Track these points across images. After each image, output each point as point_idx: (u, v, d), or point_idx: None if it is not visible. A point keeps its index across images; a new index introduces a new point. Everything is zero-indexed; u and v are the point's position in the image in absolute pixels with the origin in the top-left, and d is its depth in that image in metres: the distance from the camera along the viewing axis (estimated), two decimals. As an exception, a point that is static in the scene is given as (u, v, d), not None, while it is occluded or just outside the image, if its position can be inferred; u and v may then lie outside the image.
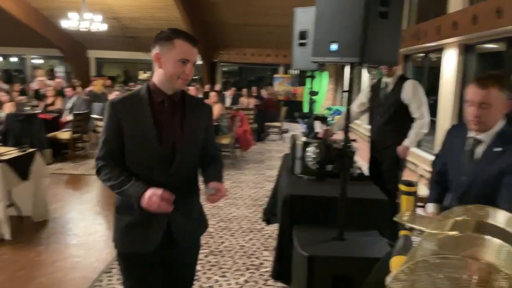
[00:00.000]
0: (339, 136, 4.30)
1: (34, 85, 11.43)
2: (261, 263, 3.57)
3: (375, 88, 3.81)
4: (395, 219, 1.59)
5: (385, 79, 3.67)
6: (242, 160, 8.00)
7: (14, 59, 17.42)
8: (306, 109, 12.54)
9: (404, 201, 1.85)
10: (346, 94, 2.53)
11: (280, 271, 3.02)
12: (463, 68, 6.13)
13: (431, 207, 2.25)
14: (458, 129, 2.15)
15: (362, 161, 5.33)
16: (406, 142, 3.54)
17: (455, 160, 2.07)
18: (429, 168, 5.18)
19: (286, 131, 10.85)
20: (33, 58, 16.96)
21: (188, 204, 1.90)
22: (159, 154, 1.78)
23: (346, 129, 2.53)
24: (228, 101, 11.36)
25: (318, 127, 3.63)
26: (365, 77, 10.76)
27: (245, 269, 3.45)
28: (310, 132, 3.62)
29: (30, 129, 6.80)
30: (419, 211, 2.92)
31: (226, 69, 17.72)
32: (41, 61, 17.45)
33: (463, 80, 6.15)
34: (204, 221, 2.08)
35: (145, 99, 1.79)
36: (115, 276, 3.21)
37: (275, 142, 10.35)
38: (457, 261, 1.15)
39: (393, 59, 2.53)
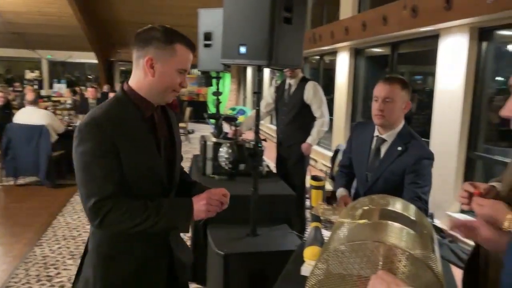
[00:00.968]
0: (247, 135, 4.42)
1: None
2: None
3: (279, 89, 3.99)
4: (312, 212, 1.70)
5: (289, 81, 3.87)
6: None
7: None
8: (212, 109, 12.60)
9: (314, 195, 1.97)
10: (249, 95, 2.62)
11: (195, 272, 3.02)
12: (354, 70, 6.69)
13: (342, 191, 2.39)
14: (363, 127, 2.30)
15: (268, 160, 5.54)
16: (309, 140, 3.77)
17: (360, 157, 2.23)
18: (328, 164, 5.57)
19: (192, 132, 10.80)
20: None
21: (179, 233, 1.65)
22: (161, 182, 1.48)
23: (257, 129, 2.62)
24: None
25: (227, 127, 3.70)
26: (266, 77, 11.16)
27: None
28: (219, 132, 3.67)
29: None
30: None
31: (123, 68, 17.00)
32: None
33: (354, 81, 6.72)
34: (190, 250, 1.84)
35: (135, 116, 1.41)
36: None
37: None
38: (366, 246, 1.29)
39: (298, 62, 2.68)
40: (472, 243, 1.55)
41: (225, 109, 13.77)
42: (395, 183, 2.05)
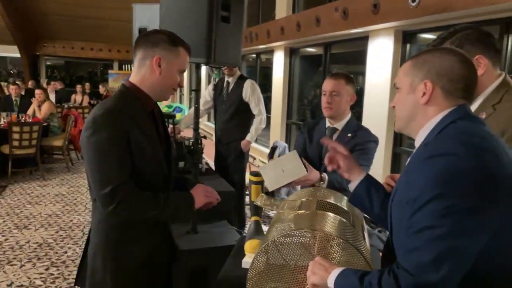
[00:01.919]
0: (186, 133, 4.39)
1: None
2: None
3: (217, 87, 4.00)
4: (255, 203, 1.75)
5: (227, 79, 3.90)
6: (79, 163, 7.44)
7: None
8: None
9: (254, 190, 2.03)
10: (186, 92, 2.62)
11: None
12: (290, 69, 6.87)
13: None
14: (313, 123, 2.43)
15: (206, 157, 5.53)
16: (248, 137, 3.84)
17: (315, 149, 2.35)
18: (266, 160, 5.68)
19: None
20: None
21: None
22: (163, 174, 1.58)
23: (196, 126, 2.63)
24: (52, 98, 10.32)
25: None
26: (203, 75, 11.09)
27: (94, 277, 3.27)
28: (157, 130, 3.62)
29: None
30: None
31: (50, 63, 16.05)
32: None
33: (289, 79, 6.90)
34: None
35: (140, 109, 1.52)
36: None
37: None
38: (303, 235, 1.36)
39: (237, 60, 2.73)
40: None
41: (161, 107, 13.50)
42: None
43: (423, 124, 1.10)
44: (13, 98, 7.64)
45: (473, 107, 1.38)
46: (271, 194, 4.40)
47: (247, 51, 8.22)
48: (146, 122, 1.53)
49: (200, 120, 2.74)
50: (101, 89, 11.25)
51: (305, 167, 1.95)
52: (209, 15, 2.42)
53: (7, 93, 8.34)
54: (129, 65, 15.12)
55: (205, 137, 2.95)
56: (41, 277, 3.22)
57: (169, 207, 1.51)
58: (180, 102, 13.96)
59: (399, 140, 4.46)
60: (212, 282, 2.44)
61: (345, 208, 1.56)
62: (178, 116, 9.39)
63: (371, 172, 4.80)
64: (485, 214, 0.91)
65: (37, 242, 3.90)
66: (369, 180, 1.41)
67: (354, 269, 1.07)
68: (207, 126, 10.49)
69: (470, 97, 1.10)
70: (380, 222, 1.48)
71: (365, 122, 4.71)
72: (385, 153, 4.42)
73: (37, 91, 7.10)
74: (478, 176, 0.92)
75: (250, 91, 3.81)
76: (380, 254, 2.19)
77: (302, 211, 1.47)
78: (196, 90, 2.66)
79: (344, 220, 1.41)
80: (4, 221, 4.43)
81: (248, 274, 1.38)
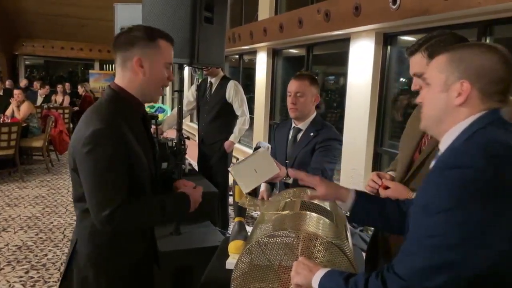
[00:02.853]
0: (169, 134, 4.37)
1: None
2: (93, 271, 3.39)
3: (200, 88, 4.00)
4: (239, 204, 1.76)
5: (210, 79, 3.90)
6: (59, 164, 7.32)
7: None
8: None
9: (237, 190, 2.04)
10: (168, 93, 2.61)
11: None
12: (272, 70, 6.89)
13: (262, 186, 2.51)
14: (283, 125, 2.52)
15: (189, 158, 5.51)
16: (232, 138, 3.84)
17: (281, 149, 2.42)
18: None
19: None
20: None
21: None
22: (151, 175, 1.53)
23: (180, 127, 2.63)
24: (39, 100, 10.15)
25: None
26: (186, 76, 11.04)
27: (76, 280, 3.22)
28: (139, 131, 3.59)
29: None
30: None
31: (29, 62, 15.72)
32: None
33: (272, 80, 6.92)
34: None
35: (132, 114, 1.46)
36: None
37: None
38: (286, 236, 1.38)
39: (220, 60, 2.73)
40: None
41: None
42: (307, 164, 2.24)
43: (450, 127, 1.02)
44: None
45: None
46: (254, 195, 4.41)
47: (230, 51, 8.22)
48: (139, 128, 1.48)
49: (183, 120, 2.73)
50: (80, 89, 11.08)
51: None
52: (192, 16, 2.42)
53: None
54: (110, 65, 14.92)
55: (188, 137, 2.94)
56: (20, 281, 3.16)
57: (168, 213, 1.48)
58: (163, 103, 13.86)
59: (380, 140, 4.52)
60: (196, 283, 2.44)
61: (328, 208, 1.58)
62: (160, 116, 9.32)
63: (352, 174, 4.88)
64: (492, 230, 0.86)
65: (16, 245, 3.82)
66: (363, 199, 1.36)
67: (339, 270, 1.08)
68: (190, 126, 10.44)
69: (506, 101, 1.01)
70: (389, 231, 1.53)
71: (347, 123, 4.77)
72: (367, 153, 4.48)
73: (16, 91, 6.96)
74: (491, 191, 0.86)
75: (234, 92, 3.82)
76: (363, 253, 2.24)
77: (286, 212, 1.49)
78: (179, 91, 2.65)
79: (327, 220, 1.43)
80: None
81: (233, 275, 1.39)
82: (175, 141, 2.73)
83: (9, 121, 6.39)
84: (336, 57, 6.14)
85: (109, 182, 1.33)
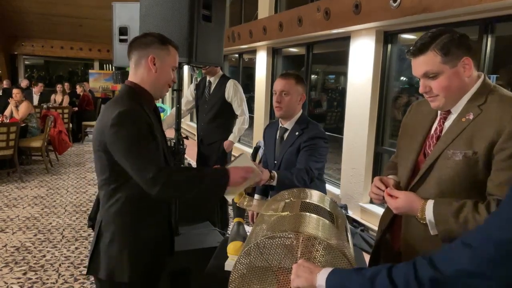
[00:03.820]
0: (168, 134, 4.34)
1: None
2: (92, 272, 3.36)
3: (199, 87, 3.97)
4: (238, 204, 1.73)
5: (209, 78, 3.87)
6: (58, 164, 7.30)
7: None
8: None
9: (236, 191, 2.01)
10: (168, 92, 2.59)
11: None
12: (272, 69, 6.86)
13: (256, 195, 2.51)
14: (271, 125, 2.51)
15: (189, 158, 5.49)
16: (231, 137, 3.81)
17: (270, 149, 2.41)
18: (249, 160, 5.66)
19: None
20: None
21: None
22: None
23: (178, 127, 2.60)
24: (35, 99, 10.13)
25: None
26: (185, 74, 11.01)
27: (74, 280, 3.20)
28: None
29: None
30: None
31: (28, 62, 15.71)
32: None
33: (272, 79, 6.90)
34: None
35: (148, 106, 1.66)
36: None
37: (95, 142, 9.71)
38: (286, 237, 1.35)
39: (218, 59, 2.70)
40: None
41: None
42: (293, 164, 2.22)
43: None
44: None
45: (458, 108, 1.39)
46: (253, 195, 4.38)
47: (229, 51, 8.19)
48: (154, 118, 1.67)
49: (182, 120, 2.70)
50: (78, 89, 11.04)
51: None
52: (190, 14, 2.39)
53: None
54: (110, 65, 14.89)
55: (187, 137, 2.91)
56: (18, 282, 3.13)
57: (204, 183, 1.61)
58: (162, 102, 13.83)
59: (381, 139, 4.49)
60: (194, 285, 2.41)
61: (329, 209, 1.55)
62: (166, 117, 9.29)
63: (352, 174, 4.84)
64: None
65: (14, 246, 3.80)
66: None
67: (341, 269, 1.06)
68: (190, 126, 10.42)
69: None
70: None
71: (347, 122, 4.74)
72: (367, 152, 4.45)
73: (14, 91, 6.93)
74: None
75: (233, 91, 3.79)
76: (363, 253, 2.20)
77: (286, 213, 1.46)
78: (177, 90, 2.62)
79: (327, 221, 1.40)
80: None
81: (230, 277, 1.36)
82: (174, 141, 2.70)
83: (7, 121, 6.36)
84: (336, 56, 6.11)
85: (145, 150, 1.52)
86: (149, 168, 1.49)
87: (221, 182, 1.63)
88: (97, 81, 14.35)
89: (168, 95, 13.01)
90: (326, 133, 2.35)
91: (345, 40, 4.78)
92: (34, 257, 3.59)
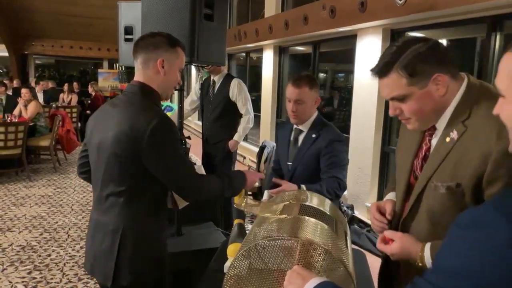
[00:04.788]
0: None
1: None
2: (96, 271, 3.37)
3: (204, 86, 3.95)
4: (235, 206, 1.71)
5: (213, 78, 3.85)
6: (66, 163, 7.34)
7: None
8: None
9: (237, 192, 1.99)
10: (176, 91, 2.57)
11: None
12: (279, 68, 6.82)
13: (266, 195, 2.45)
14: (284, 126, 2.47)
15: (195, 157, 5.48)
16: (236, 137, 3.79)
17: (283, 150, 2.37)
18: (255, 159, 5.65)
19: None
20: None
21: None
22: None
23: (180, 126, 2.58)
24: (40, 97, 10.19)
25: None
26: (194, 74, 11.02)
27: (78, 280, 3.21)
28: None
29: None
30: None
31: (40, 62, 15.84)
32: None
33: (279, 78, 6.86)
34: None
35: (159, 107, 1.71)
36: None
37: (103, 141, 9.76)
38: (284, 241, 1.32)
39: (221, 59, 2.67)
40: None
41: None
42: (313, 168, 2.19)
43: None
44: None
45: (442, 124, 1.20)
46: (260, 195, 4.36)
47: (236, 49, 8.17)
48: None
49: (190, 119, 2.69)
50: (90, 88, 11.07)
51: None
52: (192, 13, 2.37)
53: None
54: (121, 67, 14.96)
55: (189, 137, 2.90)
56: (23, 281, 3.15)
57: (232, 182, 1.75)
58: (171, 101, 13.88)
59: (388, 139, 4.44)
60: (194, 286, 2.39)
61: (328, 213, 1.52)
62: (168, 115, 9.30)
63: (359, 174, 4.76)
64: None
65: (20, 245, 3.82)
66: None
67: (332, 284, 1.00)
68: (198, 125, 10.43)
69: None
70: None
71: (354, 121, 4.69)
72: (374, 152, 4.40)
73: (23, 90, 6.98)
74: None
75: (237, 91, 3.77)
76: (368, 253, 2.16)
77: (284, 216, 1.43)
78: (180, 90, 2.60)
79: (326, 226, 1.37)
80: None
81: (225, 278, 1.33)
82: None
83: (16, 120, 6.41)
84: (343, 54, 6.06)
85: (182, 158, 1.63)
86: (190, 176, 1.61)
87: (240, 183, 1.79)
88: (106, 80, 14.42)
89: (176, 94, 13.03)
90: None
91: (352, 38, 4.73)
92: (39, 256, 3.61)
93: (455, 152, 1.14)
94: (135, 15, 3.82)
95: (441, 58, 1.16)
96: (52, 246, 3.82)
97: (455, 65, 1.19)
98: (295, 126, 2.31)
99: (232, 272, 1.32)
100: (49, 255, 3.63)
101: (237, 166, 5.16)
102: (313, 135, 2.22)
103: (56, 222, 4.45)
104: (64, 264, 3.46)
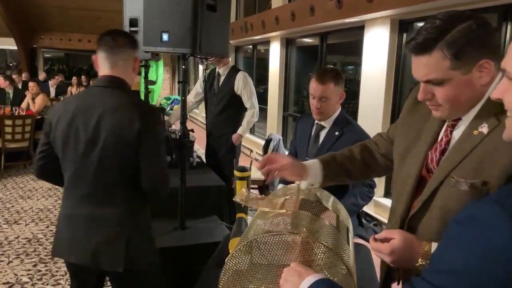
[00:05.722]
0: (177, 126, 4.31)
1: None
2: (101, 264, 3.37)
3: (209, 78, 3.91)
4: (234, 199, 1.67)
5: (218, 70, 3.80)
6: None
7: None
8: (142, 98, 12.16)
9: (238, 186, 1.96)
10: (180, 84, 2.54)
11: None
12: (286, 60, 6.76)
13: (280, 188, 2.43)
14: (305, 118, 2.40)
15: (201, 150, 5.46)
16: (240, 131, 3.74)
17: (302, 144, 2.31)
18: (261, 152, 5.61)
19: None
20: None
21: None
22: None
23: (183, 119, 2.55)
24: (52, 92, 10.25)
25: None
26: (202, 67, 10.98)
27: (83, 273, 3.21)
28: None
29: None
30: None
31: (49, 55, 15.92)
32: None
33: (286, 71, 6.79)
34: None
35: None
36: None
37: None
38: (283, 236, 1.29)
39: (224, 51, 2.63)
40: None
41: (159, 99, 13.40)
42: None
43: None
44: (6, 91, 7.53)
45: (470, 116, 1.07)
46: (265, 188, 4.30)
47: (243, 42, 8.11)
48: None
49: (197, 112, 2.65)
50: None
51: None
52: (194, 4, 2.32)
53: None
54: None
55: (192, 130, 2.86)
56: (28, 274, 3.16)
57: None
58: (178, 94, 13.88)
59: (396, 132, 4.37)
60: (196, 280, 2.38)
61: (331, 208, 1.48)
62: (176, 108, 9.31)
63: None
64: None
65: (26, 238, 3.84)
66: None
67: (329, 281, 0.95)
68: (204, 118, 10.40)
69: None
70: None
71: (361, 113, 4.63)
72: (381, 145, 4.34)
73: (30, 84, 7.01)
74: None
75: (242, 84, 3.72)
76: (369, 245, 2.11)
77: (284, 210, 1.39)
78: (182, 82, 2.57)
79: (327, 223, 1.33)
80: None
81: (222, 270, 1.30)
82: (179, 133, 2.66)
83: (24, 113, 6.44)
84: (350, 46, 5.97)
85: (163, 151, 1.76)
86: (165, 166, 1.75)
87: None
88: (114, 74, 14.39)
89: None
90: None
91: (359, 29, 4.65)
92: (45, 249, 3.62)
93: (483, 147, 1.01)
94: (139, 6, 3.79)
95: (491, 41, 1.01)
96: (58, 239, 3.83)
97: (501, 52, 1.03)
98: (316, 121, 2.25)
99: (230, 263, 1.29)
100: (55, 248, 3.64)
101: (243, 159, 5.14)
102: (336, 133, 2.16)
103: (63, 215, 4.46)
104: (70, 257, 3.46)
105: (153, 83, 12.54)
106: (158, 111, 1.75)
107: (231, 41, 3.94)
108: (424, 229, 1.14)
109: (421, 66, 1.03)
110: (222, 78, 3.78)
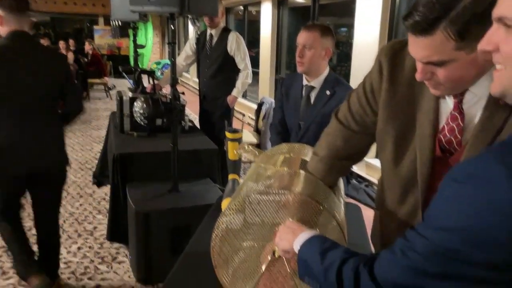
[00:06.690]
0: (168, 90, 4.26)
1: None
2: (95, 227, 3.40)
3: (200, 40, 3.82)
4: (239, 151, 1.65)
5: (210, 31, 3.72)
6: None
7: None
8: (132, 63, 11.94)
9: (230, 147, 1.95)
10: (169, 46, 2.48)
11: (115, 231, 2.95)
12: (278, 22, 6.62)
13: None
14: (292, 79, 2.31)
15: (193, 115, 5.42)
16: (234, 92, 3.70)
17: (292, 107, 2.24)
18: (254, 116, 5.59)
19: (112, 88, 10.22)
20: None
21: None
22: None
23: (173, 82, 2.51)
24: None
25: (146, 81, 3.52)
26: (192, 29, 10.73)
27: (77, 236, 3.24)
28: (138, 87, 3.49)
29: None
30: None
31: (34, 19, 15.44)
32: None
33: (278, 33, 6.67)
34: None
35: None
36: None
37: (101, 100, 9.68)
38: (276, 195, 1.29)
39: (213, 9, 2.56)
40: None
41: (149, 63, 13.18)
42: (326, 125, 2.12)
43: None
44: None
45: (479, 90, 0.93)
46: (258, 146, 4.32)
47: (234, 3, 7.91)
48: None
49: (188, 76, 2.61)
50: (87, 46, 10.81)
51: None
52: (182, -39, 2.23)
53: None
54: (115, 21, 14.57)
55: (183, 92, 2.83)
56: (23, 238, 3.18)
57: None
58: (168, 58, 13.63)
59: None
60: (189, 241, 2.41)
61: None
62: (166, 72, 9.19)
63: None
64: None
65: (20, 203, 3.85)
66: None
67: (321, 237, 0.94)
68: (196, 82, 10.29)
69: None
70: None
71: (353, 80, 4.59)
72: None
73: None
74: None
75: (236, 45, 3.64)
76: (366, 207, 2.14)
77: (285, 168, 1.38)
78: (172, 43, 2.51)
79: (321, 182, 1.33)
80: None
81: (214, 229, 1.31)
82: (170, 97, 2.62)
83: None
84: (344, 7, 5.85)
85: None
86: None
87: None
88: (103, 38, 14.09)
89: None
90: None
91: (354, -11, 4.54)
92: (40, 213, 3.63)
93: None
94: (126, -35, 3.65)
95: None
96: (52, 204, 3.84)
97: None
98: (305, 82, 2.19)
99: (222, 221, 1.29)
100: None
101: (235, 123, 5.12)
102: (328, 92, 2.11)
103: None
104: (64, 221, 3.49)
105: (142, 47, 12.30)
106: None
107: (222, 1, 3.83)
108: None
109: (421, 47, 0.89)
110: (214, 40, 3.70)
